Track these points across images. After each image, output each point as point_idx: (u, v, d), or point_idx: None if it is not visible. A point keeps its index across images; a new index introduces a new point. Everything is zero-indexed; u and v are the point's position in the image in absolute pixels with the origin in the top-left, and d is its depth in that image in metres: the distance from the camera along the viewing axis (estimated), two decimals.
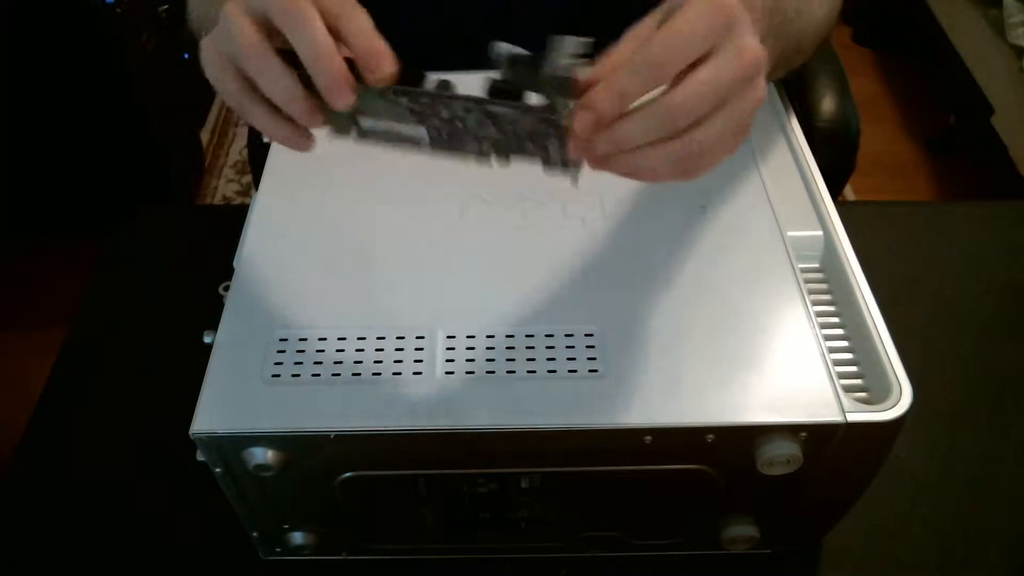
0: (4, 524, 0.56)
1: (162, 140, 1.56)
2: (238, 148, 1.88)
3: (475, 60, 0.44)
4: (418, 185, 0.54)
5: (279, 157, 0.57)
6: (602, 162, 0.37)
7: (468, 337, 0.45)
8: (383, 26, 0.38)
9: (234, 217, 0.53)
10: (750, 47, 0.35)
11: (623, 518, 0.49)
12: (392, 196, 0.53)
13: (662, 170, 0.36)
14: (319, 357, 0.44)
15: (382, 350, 0.44)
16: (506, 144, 0.38)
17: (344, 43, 0.37)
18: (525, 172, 0.56)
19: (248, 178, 1.82)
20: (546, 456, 0.43)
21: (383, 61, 0.37)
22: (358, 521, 0.49)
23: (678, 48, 0.34)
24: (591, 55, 0.35)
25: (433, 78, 0.37)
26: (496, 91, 0.36)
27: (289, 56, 0.37)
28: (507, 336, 0.45)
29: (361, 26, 0.37)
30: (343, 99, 0.37)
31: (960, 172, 1.82)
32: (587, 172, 0.40)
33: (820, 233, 0.51)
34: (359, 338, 0.45)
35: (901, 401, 0.41)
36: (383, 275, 0.48)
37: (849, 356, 0.46)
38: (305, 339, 0.45)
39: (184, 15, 0.71)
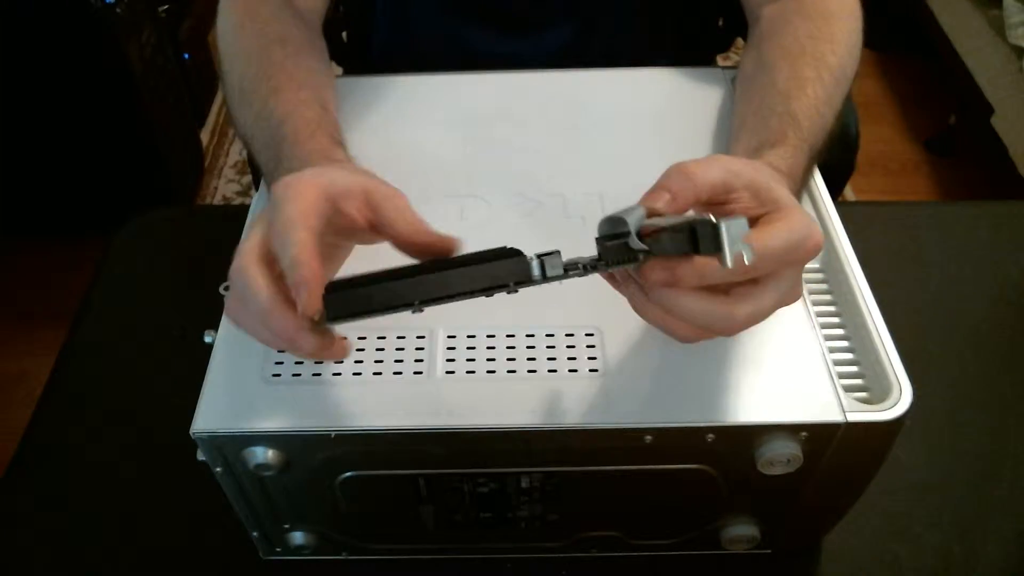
0: (4, 524, 0.56)
1: (162, 140, 1.56)
2: (238, 148, 1.88)
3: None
4: (418, 186, 0.54)
5: None
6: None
7: (468, 337, 0.45)
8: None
9: (234, 217, 0.53)
10: (800, 285, 0.39)
11: (623, 518, 0.49)
12: None
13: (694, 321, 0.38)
14: None
15: (382, 350, 0.44)
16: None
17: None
18: (525, 172, 0.56)
19: (248, 178, 1.82)
20: (546, 456, 0.43)
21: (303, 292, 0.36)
22: (358, 521, 0.49)
23: (766, 266, 0.37)
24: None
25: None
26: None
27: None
28: (507, 336, 0.45)
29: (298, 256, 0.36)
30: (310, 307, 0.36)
31: (960, 172, 1.82)
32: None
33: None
34: (360, 337, 0.45)
35: (901, 401, 0.41)
36: None
37: (849, 356, 0.46)
38: None
39: (183, 18, 0.72)
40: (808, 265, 0.50)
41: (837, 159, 0.83)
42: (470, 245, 0.50)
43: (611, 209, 0.38)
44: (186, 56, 1.72)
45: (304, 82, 0.54)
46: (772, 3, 0.60)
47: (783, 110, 0.51)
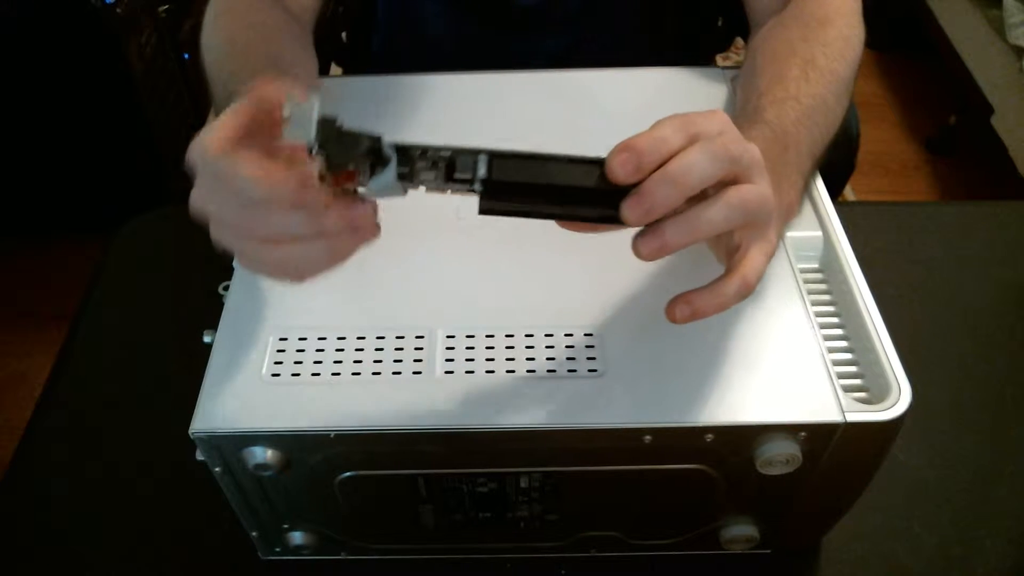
0: (4, 524, 0.56)
1: (162, 140, 1.56)
2: None
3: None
4: None
5: None
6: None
7: (468, 337, 0.45)
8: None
9: None
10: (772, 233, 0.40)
11: (623, 518, 0.49)
12: None
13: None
14: (319, 357, 0.44)
15: (382, 350, 0.44)
16: None
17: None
18: None
19: None
20: (546, 456, 0.43)
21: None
22: (358, 521, 0.49)
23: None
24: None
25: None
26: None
27: None
28: (507, 336, 0.45)
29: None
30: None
31: (960, 172, 1.82)
32: None
33: (819, 234, 0.51)
34: (359, 338, 0.45)
35: (901, 401, 0.41)
36: (383, 275, 0.48)
37: (849, 356, 0.46)
38: (305, 339, 0.45)
39: (183, 18, 0.72)
40: (808, 265, 0.50)
41: (837, 159, 0.83)
42: (470, 244, 0.50)
43: None
44: (186, 56, 1.71)
45: (272, 64, 0.54)
46: (774, 14, 0.60)
47: (755, 103, 0.51)
